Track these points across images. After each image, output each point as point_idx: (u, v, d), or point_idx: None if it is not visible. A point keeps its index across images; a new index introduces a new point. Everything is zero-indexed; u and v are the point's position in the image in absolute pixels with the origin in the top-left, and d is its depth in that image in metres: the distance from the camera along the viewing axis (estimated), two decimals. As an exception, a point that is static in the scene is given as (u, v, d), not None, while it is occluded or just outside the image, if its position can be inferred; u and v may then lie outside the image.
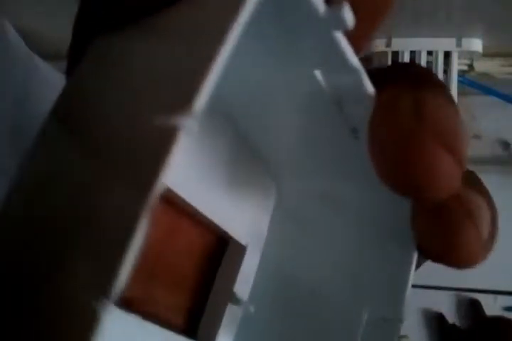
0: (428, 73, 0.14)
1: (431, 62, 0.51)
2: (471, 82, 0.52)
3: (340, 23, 0.12)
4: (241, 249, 0.17)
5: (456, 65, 0.51)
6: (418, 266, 0.15)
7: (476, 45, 0.50)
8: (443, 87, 0.13)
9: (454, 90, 0.50)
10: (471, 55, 0.51)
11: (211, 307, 0.16)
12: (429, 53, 0.51)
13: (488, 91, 0.53)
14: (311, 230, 0.18)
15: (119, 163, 0.11)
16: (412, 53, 0.51)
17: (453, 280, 0.50)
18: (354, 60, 0.13)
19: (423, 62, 0.51)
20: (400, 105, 0.12)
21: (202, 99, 0.10)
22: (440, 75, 0.50)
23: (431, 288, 0.46)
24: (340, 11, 0.12)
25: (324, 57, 0.13)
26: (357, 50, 0.13)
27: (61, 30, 0.58)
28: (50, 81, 0.42)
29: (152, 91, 0.11)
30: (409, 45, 0.51)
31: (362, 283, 0.17)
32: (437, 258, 0.14)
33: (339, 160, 0.16)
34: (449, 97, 0.13)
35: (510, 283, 0.53)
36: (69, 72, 0.15)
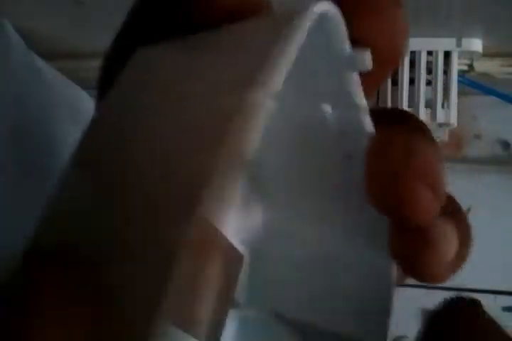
0: (416, 119, 0.16)
1: (431, 62, 0.51)
2: (471, 82, 0.52)
3: (360, 64, 0.14)
4: (239, 258, 0.17)
5: (456, 65, 0.51)
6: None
7: (476, 45, 0.50)
8: (427, 131, 0.16)
9: (454, 90, 0.50)
10: (471, 55, 0.51)
11: (214, 314, 0.17)
12: (429, 53, 0.51)
13: (488, 91, 0.53)
14: (298, 245, 0.18)
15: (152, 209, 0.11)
16: (412, 53, 0.51)
17: (453, 280, 0.50)
18: (362, 100, 0.15)
19: (423, 62, 0.51)
20: (393, 146, 0.14)
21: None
22: (440, 75, 0.51)
23: (431, 288, 0.46)
24: (363, 53, 0.14)
25: (336, 92, 0.15)
26: (365, 94, 0.15)
27: (61, 30, 0.58)
28: (50, 81, 0.42)
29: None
30: (410, 45, 0.51)
31: (347, 294, 0.17)
32: (406, 274, 0.16)
33: (329, 182, 0.17)
34: (432, 140, 0.15)
35: (510, 283, 0.53)
36: (102, 86, 0.16)
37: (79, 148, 0.13)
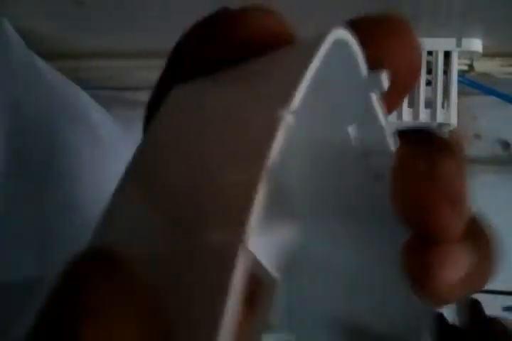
0: (442, 139, 0.17)
1: (431, 62, 0.51)
2: (471, 82, 0.52)
3: (377, 85, 0.15)
4: (273, 281, 0.18)
5: (456, 65, 0.51)
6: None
7: (476, 45, 0.50)
8: (454, 150, 0.16)
9: (454, 90, 0.50)
10: (471, 55, 0.51)
11: (249, 338, 0.17)
12: (429, 53, 0.51)
13: (488, 91, 0.53)
14: (326, 267, 0.18)
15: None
16: (412, 53, 0.51)
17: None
18: (383, 119, 0.16)
19: (423, 62, 0.51)
20: (418, 166, 0.15)
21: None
22: (440, 75, 0.50)
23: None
24: (380, 75, 0.15)
25: (359, 114, 0.16)
26: (386, 113, 0.16)
27: (61, 30, 0.58)
28: (50, 81, 0.42)
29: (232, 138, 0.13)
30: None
31: (383, 309, 0.17)
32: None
33: (360, 202, 0.17)
34: (461, 162, 0.16)
35: (510, 283, 0.53)
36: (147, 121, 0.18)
37: (129, 170, 0.14)
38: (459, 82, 0.51)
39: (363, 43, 0.15)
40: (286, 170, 0.17)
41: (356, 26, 0.15)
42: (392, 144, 0.16)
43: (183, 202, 0.12)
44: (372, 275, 0.18)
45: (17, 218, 0.32)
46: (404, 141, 0.16)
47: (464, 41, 0.50)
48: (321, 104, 0.15)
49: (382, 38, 0.16)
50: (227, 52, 0.16)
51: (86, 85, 0.47)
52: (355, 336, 0.18)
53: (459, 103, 0.51)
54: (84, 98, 0.47)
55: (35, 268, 0.33)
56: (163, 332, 0.11)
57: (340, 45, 0.14)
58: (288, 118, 0.12)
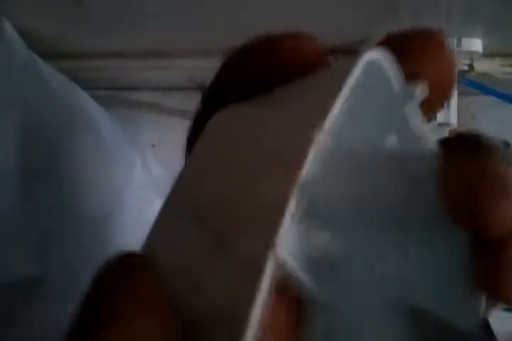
0: (486, 140, 0.17)
1: (431, 62, 0.51)
2: (471, 82, 0.52)
3: (413, 98, 0.16)
4: (313, 295, 0.18)
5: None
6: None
7: (476, 45, 0.50)
8: (498, 150, 0.17)
9: (453, 90, 0.50)
10: (471, 55, 0.51)
11: None
12: (429, 53, 0.51)
13: (488, 91, 0.53)
14: (360, 281, 0.18)
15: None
16: (412, 53, 0.51)
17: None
18: (420, 128, 0.17)
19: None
20: (469, 168, 0.15)
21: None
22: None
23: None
24: (416, 88, 0.16)
25: (397, 124, 0.17)
26: (427, 118, 0.17)
27: (61, 30, 0.58)
28: (50, 81, 0.42)
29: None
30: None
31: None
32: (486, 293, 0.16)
33: (396, 211, 0.18)
34: (503, 157, 0.16)
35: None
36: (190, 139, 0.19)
37: (172, 192, 0.15)
38: (459, 82, 0.51)
39: (402, 57, 0.16)
40: (323, 182, 0.18)
41: (395, 41, 0.16)
42: (428, 152, 0.17)
43: (217, 215, 0.13)
44: (425, 277, 0.18)
45: (17, 218, 0.32)
46: (448, 147, 0.17)
47: (464, 41, 0.50)
48: (357, 118, 0.16)
49: (421, 54, 0.17)
50: (262, 79, 0.18)
51: (86, 85, 0.47)
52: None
53: (459, 103, 0.51)
54: (84, 98, 0.47)
55: (35, 268, 0.33)
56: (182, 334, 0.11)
57: (372, 65, 0.15)
58: (319, 139, 0.13)
